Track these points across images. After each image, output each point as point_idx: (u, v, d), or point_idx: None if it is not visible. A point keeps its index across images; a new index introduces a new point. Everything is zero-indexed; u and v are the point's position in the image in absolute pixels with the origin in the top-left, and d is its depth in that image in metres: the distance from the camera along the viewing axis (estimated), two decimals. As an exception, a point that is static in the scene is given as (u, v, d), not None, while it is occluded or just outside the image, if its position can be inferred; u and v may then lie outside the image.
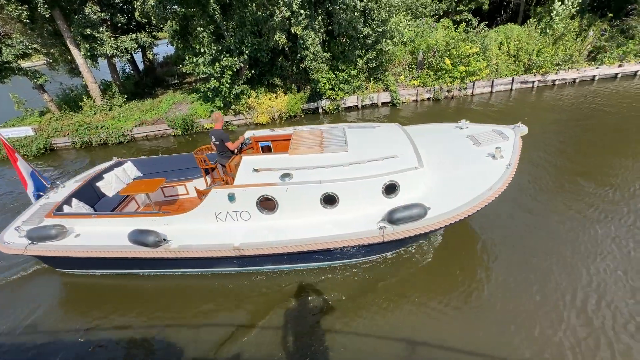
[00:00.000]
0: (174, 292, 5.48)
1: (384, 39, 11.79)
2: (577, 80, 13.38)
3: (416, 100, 13.37)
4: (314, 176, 5.05)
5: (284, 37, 10.15)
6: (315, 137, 6.03)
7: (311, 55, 10.64)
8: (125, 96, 14.05)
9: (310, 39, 10.20)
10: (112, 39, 12.94)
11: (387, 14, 10.98)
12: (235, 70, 11.25)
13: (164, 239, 4.98)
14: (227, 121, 12.81)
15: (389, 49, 12.22)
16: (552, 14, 13.02)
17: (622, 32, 13.02)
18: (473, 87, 13.26)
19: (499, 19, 18.10)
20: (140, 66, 18.10)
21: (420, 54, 13.27)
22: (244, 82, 12.02)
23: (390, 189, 5.01)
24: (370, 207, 5.01)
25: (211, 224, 5.25)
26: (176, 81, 17.36)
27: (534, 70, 13.11)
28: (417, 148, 5.58)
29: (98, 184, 6.35)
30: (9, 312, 5.39)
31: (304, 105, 13.01)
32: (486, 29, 13.50)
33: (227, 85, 11.22)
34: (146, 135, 13.00)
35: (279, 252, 4.90)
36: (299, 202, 5.05)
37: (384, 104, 13.40)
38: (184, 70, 11.72)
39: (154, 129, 12.91)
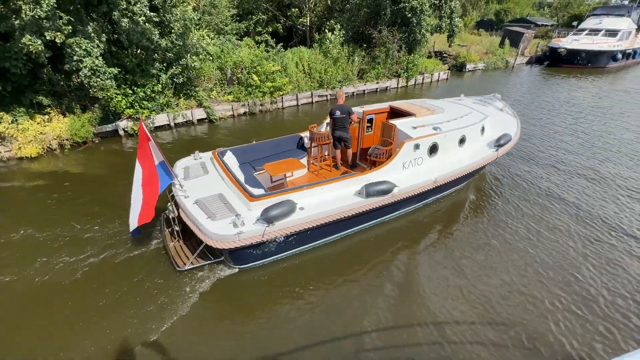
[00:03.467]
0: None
1: (188, 54, 11.17)
2: (355, 93, 17.23)
3: (233, 115, 13.47)
4: (448, 126, 7.03)
5: (39, 43, 7.72)
6: (415, 106, 8.03)
7: (86, 72, 8.60)
8: None
9: (81, 49, 8.26)
10: None
11: (183, 28, 10.40)
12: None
13: (395, 185, 5.84)
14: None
15: (194, 65, 11.69)
16: (326, 42, 16.18)
17: (373, 59, 17.76)
18: (282, 101, 14.66)
19: (293, 41, 20.88)
20: None
21: (229, 70, 13.45)
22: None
23: (482, 130, 7.72)
24: (474, 144, 7.46)
25: (399, 173, 6.37)
26: None
27: (325, 86, 15.90)
28: (473, 107, 8.43)
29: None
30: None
31: (97, 127, 10.55)
32: (283, 50, 15.22)
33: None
34: None
35: (461, 176, 6.97)
36: (448, 145, 6.92)
37: (200, 120, 12.74)
38: None
39: None
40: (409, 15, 16.90)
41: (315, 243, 6.01)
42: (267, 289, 5.31)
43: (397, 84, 18.88)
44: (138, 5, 9.05)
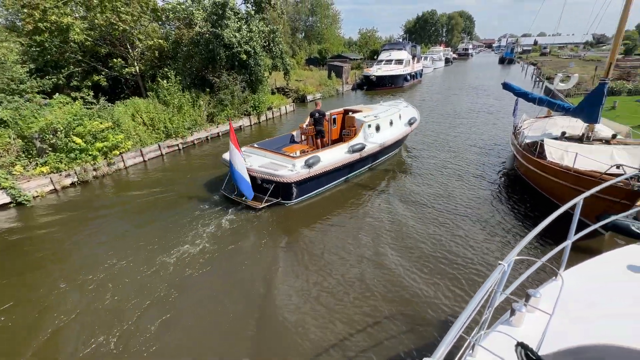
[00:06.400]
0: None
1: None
2: (209, 137, 16.69)
3: (55, 189, 10.72)
4: (382, 115, 11.48)
5: None
6: (359, 107, 13.07)
7: None
8: None
9: None
10: None
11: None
12: None
13: (365, 145, 10.07)
14: None
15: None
16: (163, 90, 15.22)
17: (220, 102, 17.77)
18: (123, 160, 12.70)
19: (124, 93, 18.68)
20: None
21: (36, 136, 10.74)
22: None
23: (400, 117, 12.30)
24: (398, 125, 12.02)
25: (363, 142, 10.09)
26: None
27: (174, 135, 14.78)
28: (390, 106, 13.38)
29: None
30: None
31: None
32: (110, 104, 13.35)
33: None
34: None
35: (396, 141, 11.61)
36: (384, 125, 11.29)
37: (3, 206, 9.55)
38: None
39: None
40: (245, 58, 17.88)
41: (328, 186, 9.79)
42: (310, 214, 8.68)
43: (250, 122, 19.46)
44: None
